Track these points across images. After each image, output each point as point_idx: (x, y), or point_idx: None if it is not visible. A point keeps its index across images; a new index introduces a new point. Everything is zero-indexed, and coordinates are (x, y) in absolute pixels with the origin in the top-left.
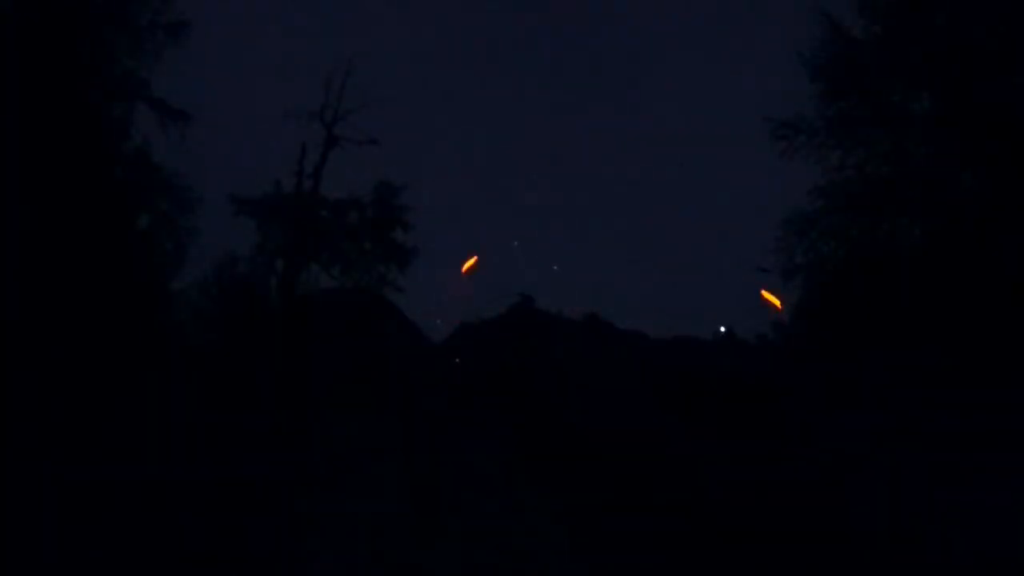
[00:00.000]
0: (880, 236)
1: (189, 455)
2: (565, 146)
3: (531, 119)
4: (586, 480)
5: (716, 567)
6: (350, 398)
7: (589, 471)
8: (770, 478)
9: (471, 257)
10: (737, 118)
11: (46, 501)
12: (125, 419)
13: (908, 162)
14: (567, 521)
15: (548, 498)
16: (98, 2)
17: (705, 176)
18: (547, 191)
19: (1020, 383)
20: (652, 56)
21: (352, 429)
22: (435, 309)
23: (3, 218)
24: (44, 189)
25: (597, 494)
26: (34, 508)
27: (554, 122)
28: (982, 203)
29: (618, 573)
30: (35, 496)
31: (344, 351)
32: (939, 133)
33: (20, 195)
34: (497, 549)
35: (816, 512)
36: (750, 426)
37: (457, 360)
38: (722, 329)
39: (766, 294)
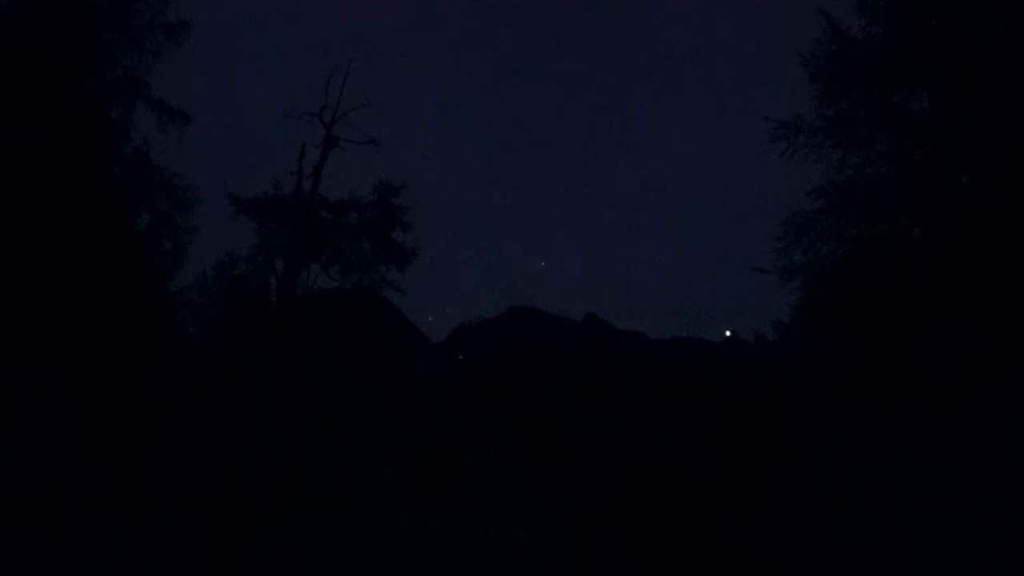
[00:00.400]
0: (880, 236)
1: (189, 455)
2: (565, 146)
3: (539, 121)
4: (586, 480)
5: (716, 569)
6: (349, 398)
7: (589, 472)
8: (772, 484)
9: None
10: (737, 118)
11: (46, 501)
12: (125, 419)
13: (908, 162)
14: (567, 522)
15: (548, 499)
16: (98, 2)
17: (705, 176)
18: (547, 190)
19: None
20: (652, 56)
21: (352, 429)
22: (430, 308)
23: (3, 218)
24: (43, 189)
25: (597, 494)
26: (34, 508)
27: (555, 122)
28: (982, 203)
29: (618, 573)
30: (35, 496)
31: (343, 351)
32: (939, 133)
33: (19, 195)
34: (497, 549)
35: (816, 515)
36: (750, 427)
37: (460, 358)
38: (728, 333)
39: None
